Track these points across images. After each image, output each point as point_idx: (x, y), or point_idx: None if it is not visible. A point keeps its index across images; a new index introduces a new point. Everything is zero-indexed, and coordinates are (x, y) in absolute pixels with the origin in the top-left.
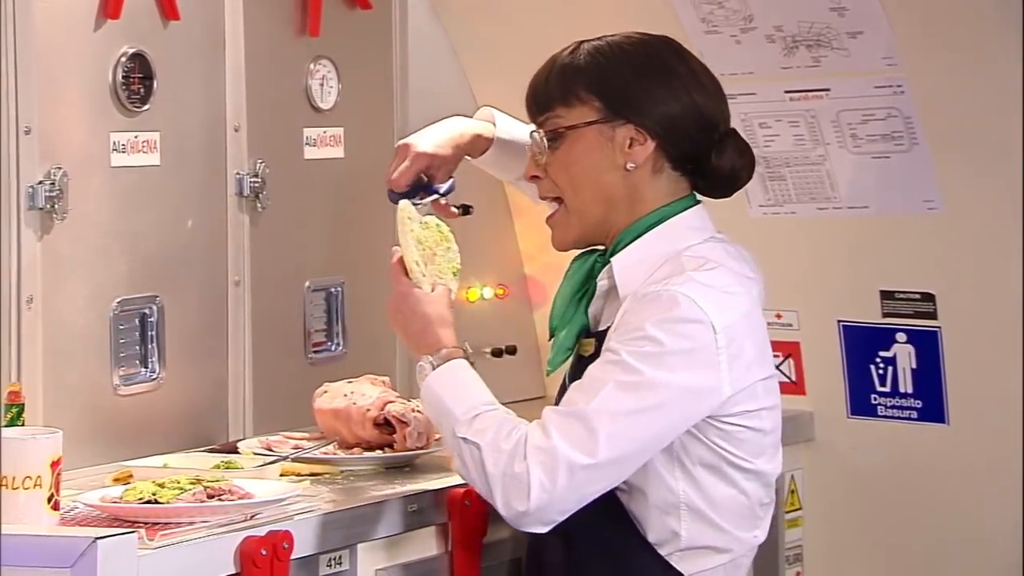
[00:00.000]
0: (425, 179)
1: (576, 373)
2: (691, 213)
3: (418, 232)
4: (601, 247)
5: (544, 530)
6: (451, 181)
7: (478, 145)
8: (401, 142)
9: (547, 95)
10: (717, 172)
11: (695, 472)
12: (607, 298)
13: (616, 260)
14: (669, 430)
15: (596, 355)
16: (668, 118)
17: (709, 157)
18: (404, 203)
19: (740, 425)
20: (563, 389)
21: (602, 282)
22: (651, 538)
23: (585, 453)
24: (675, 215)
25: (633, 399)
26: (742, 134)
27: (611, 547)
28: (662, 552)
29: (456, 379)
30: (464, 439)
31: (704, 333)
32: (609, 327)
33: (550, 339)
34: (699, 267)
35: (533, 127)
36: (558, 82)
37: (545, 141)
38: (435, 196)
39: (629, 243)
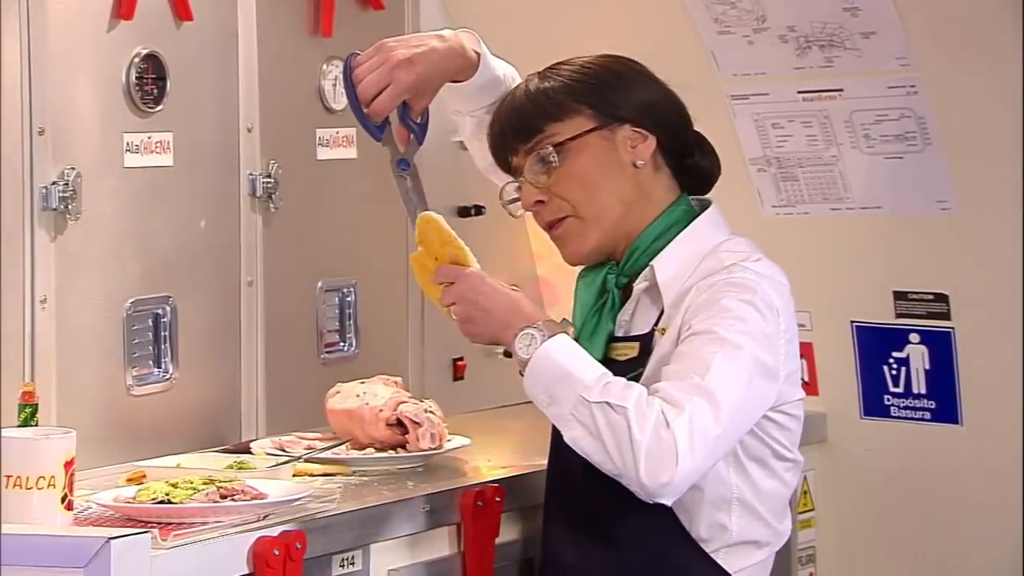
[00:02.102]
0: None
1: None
2: (710, 214)
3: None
4: (607, 261)
5: (670, 502)
6: (426, 119)
7: (465, 70)
8: (383, 45)
9: (531, 120)
10: (699, 170)
11: (748, 466)
12: (640, 301)
13: (657, 262)
14: (763, 403)
15: (638, 359)
16: (658, 113)
17: (692, 155)
18: (429, 215)
19: (788, 414)
20: None
21: (639, 285)
22: (700, 534)
23: (715, 423)
24: (695, 218)
25: (740, 370)
26: (755, 134)
27: (657, 546)
28: (707, 549)
29: (573, 347)
30: (606, 403)
31: (775, 319)
32: (652, 330)
33: None
34: (746, 258)
35: (512, 180)
36: (540, 104)
37: (555, 156)
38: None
39: (653, 247)
